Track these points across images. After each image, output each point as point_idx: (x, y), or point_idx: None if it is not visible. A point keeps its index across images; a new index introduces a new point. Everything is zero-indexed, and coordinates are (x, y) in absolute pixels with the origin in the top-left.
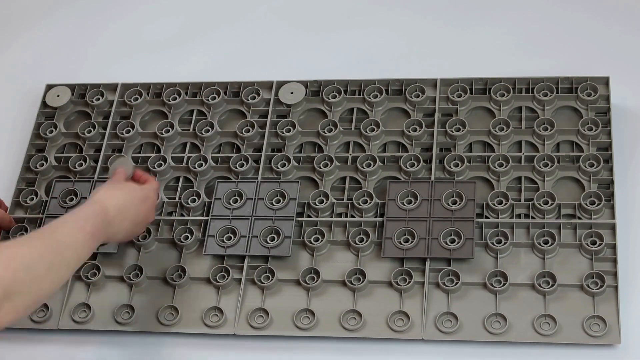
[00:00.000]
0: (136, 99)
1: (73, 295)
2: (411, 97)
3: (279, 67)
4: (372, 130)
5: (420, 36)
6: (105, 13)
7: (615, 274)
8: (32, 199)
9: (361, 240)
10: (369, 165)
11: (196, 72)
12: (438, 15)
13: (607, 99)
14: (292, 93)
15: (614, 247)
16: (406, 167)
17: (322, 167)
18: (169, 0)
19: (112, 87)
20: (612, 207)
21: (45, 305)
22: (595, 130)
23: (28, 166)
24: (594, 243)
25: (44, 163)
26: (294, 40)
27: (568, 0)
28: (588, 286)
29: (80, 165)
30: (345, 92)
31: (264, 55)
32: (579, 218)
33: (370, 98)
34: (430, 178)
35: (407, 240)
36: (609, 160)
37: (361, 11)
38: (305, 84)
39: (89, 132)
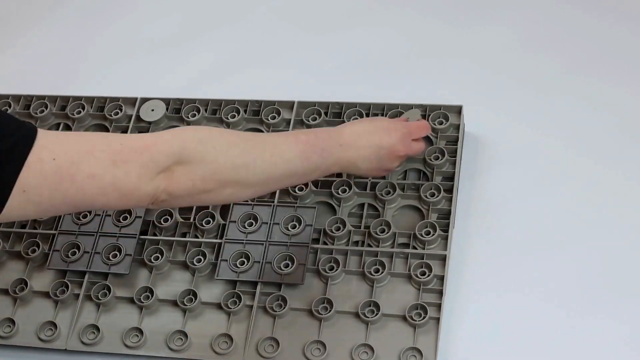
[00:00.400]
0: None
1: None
2: (267, 119)
3: (280, 67)
4: None
5: (420, 37)
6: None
7: (439, 306)
8: None
9: (199, 260)
10: None
11: (196, 73)
12: (438, 16)
13: (458, 127)
14: (152, 110)
15: (442, 279)
16: None
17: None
18: (166, 1)
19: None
20: (446, 238)
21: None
22: (441, 159)
23: None
24: (423, 274)
25: None
26: (294, 41)
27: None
28: (412, 317)
29: None
30: (206, 110)
31: (261, 56)
32: (414, 248)
33: (228, 118)
34: (273, 202)
35: (242, 263)
36: (450, 190)
37: (361, 11)
38: (167, 101)
39: None
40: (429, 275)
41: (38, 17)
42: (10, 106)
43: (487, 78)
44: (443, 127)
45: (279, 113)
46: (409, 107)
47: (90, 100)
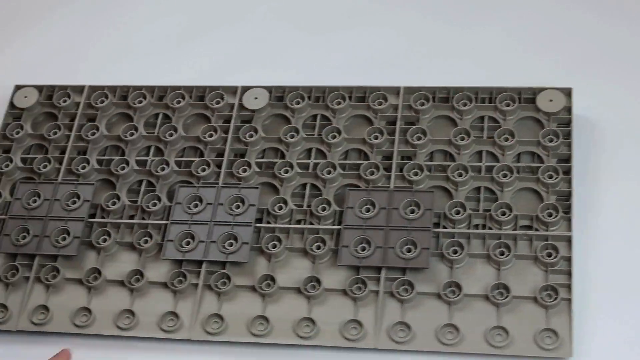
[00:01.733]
0: (102, 102)
1: (32, 297)
2: (374, 105)
3: (279, 67)
4: (334, 137)
5: (420, 38)
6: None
7: (569, 287)
8: None
9: (318, 247)
10: (329, 173)
11: (194, 74)
12: (438, 16)
13: (569, 110)
14: (256, 98)
15: (569, 260)
16: (365, 175)
17: (282, 173)
18: (163, 2)
19: (79, 89)
20: (569, 220)
21: (4, 307)
22: (556, 142)
23: None
24: (549, 255)
25: (9, 164)
26: (294, 41)
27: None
28: (542, 298)
29: (45, 167)
30: (310, 98)
31: (261, 56)
32: (536, 230)
33: (333, 105)
34: (389, 187)
35: (363, 249)
36: (568, 172)
37: (361, 11)
38: (269, 89)
39: (55, 133)
40: (555, 257)
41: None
42: (107, 97)
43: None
44: (555, 111)
45: (385, 99)
46: (518, 90)
47: (190, 89)
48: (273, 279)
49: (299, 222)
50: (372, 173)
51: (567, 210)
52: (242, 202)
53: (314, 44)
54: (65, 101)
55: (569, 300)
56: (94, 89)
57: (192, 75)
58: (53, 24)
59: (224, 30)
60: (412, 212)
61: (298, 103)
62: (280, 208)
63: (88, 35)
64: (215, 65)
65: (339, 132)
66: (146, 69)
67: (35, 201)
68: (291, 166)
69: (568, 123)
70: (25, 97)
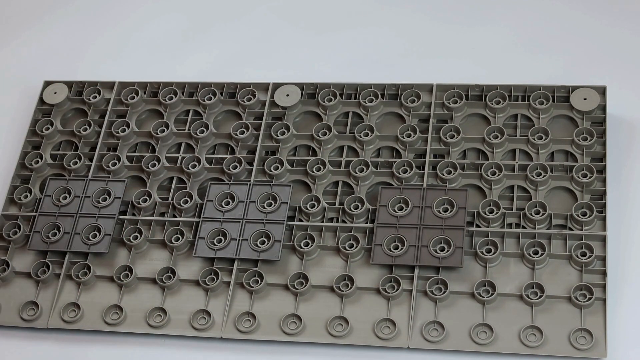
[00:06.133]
0: (132, 98)
1: (63, 295)
2: (407, 103)
3: (278, 67)
4: (367, 135)
5: (421, 37)
6: (105, 11)
7: (604, 287)
8: (26, 196)
9: (351, 246)
10: (361, 170)
11: (195, 72)
12: (438, 16)
13: (603, 108)
14: (287, 95)
15: (604, 260)
16: (398, 173)
17: (314, 171)
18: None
19: (109, 85)
20: (604, 219)
21: (35, 304)
22: (590, 141)
23: (23, 163)
24: (584, 255)
25: (39, 160)
26: (294, 40)
27: (566, 4)
28: (576, 298)
29: (75, 163)
30: (342, 95)
31: (264, 55)
32: (570, 229)
33: (365, 102)
34: (422, 185)
35: (396, 247)
36: (602, 171)
37: (362, 11)
38: (301, 86)
39: (85, 130)
40: (590, 257)
41: (38, 14)
42: (137, 94)
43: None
44: (589, 109)
45: (418, 96)
46: (552, 88)
47: (221, 86)
48: (306, 278)
49: (331, 220)
50: (405, 171)
51: (602, 209)
52: (274, 199)
53: (314, 44)
54: (95, 97)
55: (604, 300)
56: (124, 85)
57: (190, 75)
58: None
59: (224, 29)
60: (446, 210)
61: (330, 100)
62: (313, 206)
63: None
64: (215, 64)
65: (372, 130)
66: (145, 67)
67: (65, 198)
68: (323, 164)
69: (602, 122)
70: (55, 93)
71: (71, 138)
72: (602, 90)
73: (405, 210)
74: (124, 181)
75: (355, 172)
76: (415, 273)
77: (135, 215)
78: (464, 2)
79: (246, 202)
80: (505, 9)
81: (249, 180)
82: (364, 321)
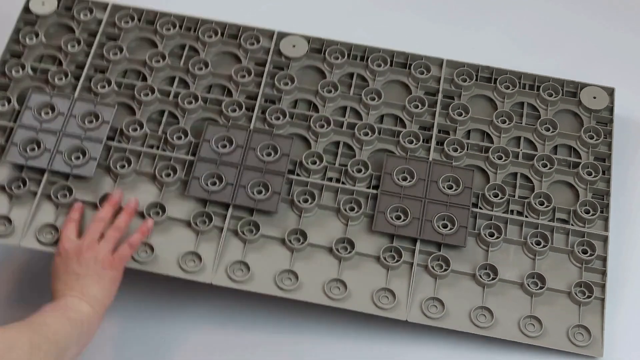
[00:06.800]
0: (127, 22)
1: (39, 215)
2: (415, 73)
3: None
4: (373, 99)
5: (421, 36)
6: None
7: (603, 287)
8: (3, 105)
9: (352, 209)
10: (366, 134)
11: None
12: (438, 16)
13: (611, 110)
14: (294, 46)
15: (604, 260)
16: (404, 143)
17: (317, 127)
18: None
19: (102, 6)
20: (606, 219)
21: (8, 219)
22: (597, 140)
23: (3, 71)
24: (585, 252)
25: (20, 70)
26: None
27: (569, 6)
28: (576, 294)
29: (60, 79)
30: (349, 55)
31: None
32: (572, 225)
33: (373, 66)
34: (428, 158)
35: (398, 217)
36: (607, 171)
37: (362, 11)
38: (307, 39)
39: (73, 47)
40: (591, 255)
41: None
42: (132, 19)
43: None
44: (597, 108)
45: (428, 69)
46: (561, 81)
47: (222, 25)
48: (304, 234)
49: (330, 180)
50: (411, 142)
51: (604, 209)
52: (275, 150)
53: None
54: (86, 15)
55: (603, 300)
56: (117, 8)
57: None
58: None
59: None
60: (451, 187)
61: (337, 58)
62: (315, 162)
63: None
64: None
65: (379, 95)
66: None
67: (48, 113)
68: (328, 121)
69: (608, 122)
70: (43, 4)
71: (56, 53)
72: (610, 92)
73: (410, 181)
74: (114, 106)
75: (360, 135)
76: (417, 246)
77: (121, 142)
78: (467, 3)
79: (245, 147)
80: (509, 11)
81: (249, 126)
82: (362, 288)
